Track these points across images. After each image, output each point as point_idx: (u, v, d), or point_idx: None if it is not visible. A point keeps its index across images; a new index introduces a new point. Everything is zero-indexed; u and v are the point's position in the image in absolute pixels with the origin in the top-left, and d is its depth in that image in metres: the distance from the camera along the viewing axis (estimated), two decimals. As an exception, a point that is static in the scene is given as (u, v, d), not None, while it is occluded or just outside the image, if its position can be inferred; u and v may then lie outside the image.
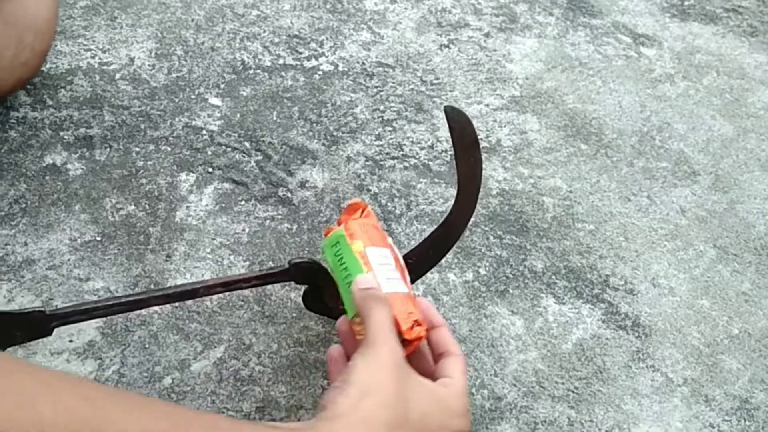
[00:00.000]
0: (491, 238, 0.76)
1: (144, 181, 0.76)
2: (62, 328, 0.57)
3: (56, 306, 0.63)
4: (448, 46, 0.97)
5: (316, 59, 0.92)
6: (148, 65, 0.88)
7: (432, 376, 0.53)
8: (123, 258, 0.69)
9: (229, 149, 0.80)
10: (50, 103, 0.81)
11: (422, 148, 0.83)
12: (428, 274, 0.70)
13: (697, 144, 0.89)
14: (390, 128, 0.85)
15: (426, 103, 0.89)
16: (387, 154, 0.82)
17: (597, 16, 1.05)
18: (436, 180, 0.80)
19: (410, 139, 0.84)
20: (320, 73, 0.90)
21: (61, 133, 0.79)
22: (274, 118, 0.84)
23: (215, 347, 0.64)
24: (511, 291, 0.71)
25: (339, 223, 0.60)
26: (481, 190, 0.63)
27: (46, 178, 0.75)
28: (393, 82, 0.91)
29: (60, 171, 0.75)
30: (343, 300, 0.57)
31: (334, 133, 0.83)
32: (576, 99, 0.92)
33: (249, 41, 0.93)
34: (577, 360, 0.67)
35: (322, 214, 0.75)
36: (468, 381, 0.64)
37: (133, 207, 0.73)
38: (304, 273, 0.61)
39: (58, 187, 0.74)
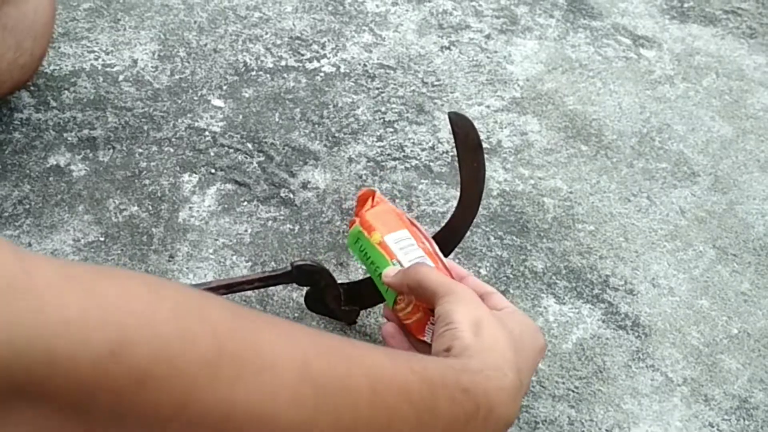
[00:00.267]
0: (492, 238, 0.76)
1: (147, 182, 0.76)
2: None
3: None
4: (449, 48, 0.97)
5: (318, 61, 0.93)
6: (151, 67, 0.88)
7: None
8: (126, 258, 0.70)
9: (231, 150, 0.81)
10: (54, 104, 0.82)
11: (423, 149, 0.84)
12: (429, 275, 0.70)
13: (696, 145, 0.89)
14: (391, 129, 0.85)
15: (427, 104, 0.89)
16: (388, 155, 0.83)
17: (597, 18, 1.06)
18: (437, 181, 0.81)
19: (411, 140, 0.85)
20: (322, 74, 0.91)
21: (65, 135, 0.79)
22: (276, 120, 0.85)
23: (218, 347, 0.64)
24: (511, 291, 0.72)
25: (356, 216, 0.63)
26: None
27: (50, 179, 0.75)
28: (394, 84, 0.91)
29: (63, 172, 0.76)
30: (381, 291, 0.60)
31: (336, 135, 0.84)
32: (576, 100, 0.93)
33: (251, 43, 0.94)
34: (578, 360, 0.67)
35: (323, 215, 0.76)
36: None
37: (136, 208, 0.74)
38: (306, 275, 0.62)
39: (61, 188, 0.75)
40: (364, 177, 0.80)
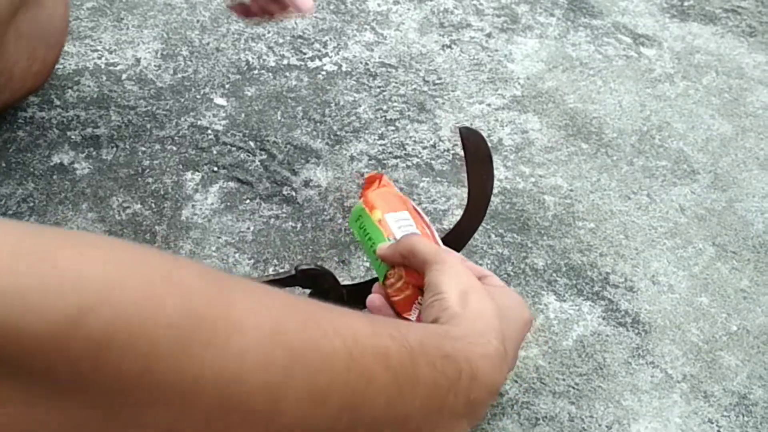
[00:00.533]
0: (493, 236, 0.76)
1: (150, 180, 0.77)
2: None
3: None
4: (450, 47, 0.98)
5: (320, 60, 0.93)
6: (154, 66, 0.89)
7: None
8: (130, 256, 0.70)
9: (234, 149, 0.81)
10: (57, 103, 0.83)
11: (424, 148, 0.84)
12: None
13: (696, 143, 0.90)
14: (393, 128, 0.86)
15: (428, 102, 0.90)
16: (390, 153, 0.83)
17: (597, 17, 1.06)
18: (438, 179, 0.81)
19: (413, 139, 0.85)
20: (324, 73, 0.91)
21: (69, 133, 0.80)
22: (279, 118, 0.85)
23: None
24: (512, 288, 0.72)
25: (361, 197, 0.65)
26: (483, 188, 0.64)
27: (54, 177, 0.76)
28: (396, 82, 0.92)
29: (67, 170, 0.76)
30: (374, 267, 0.62)
31: (338, 133, 0.84)
32: (577, 99, 0.93)
33: (253, 42, 0.94)
34: (578, 356, 0.68)
35: (325, 213, 0.76)
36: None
37: (139, 206, 0.74)
38: (310, 278, 0.63)
39: (65, 186, 0.75)
40: (365, 175, 0.80)
